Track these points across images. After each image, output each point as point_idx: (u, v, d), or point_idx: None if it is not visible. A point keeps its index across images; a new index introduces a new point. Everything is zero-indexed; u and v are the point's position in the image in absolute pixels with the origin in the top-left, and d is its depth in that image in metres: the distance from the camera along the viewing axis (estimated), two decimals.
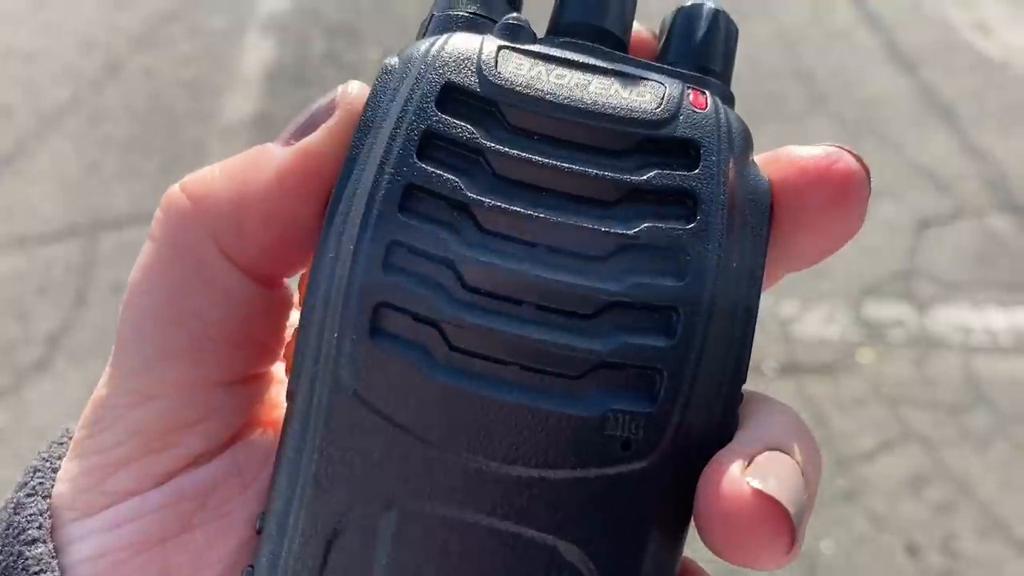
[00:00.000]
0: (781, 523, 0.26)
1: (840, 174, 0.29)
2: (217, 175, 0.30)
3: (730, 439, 0.29)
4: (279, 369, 0.35)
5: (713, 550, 0.27)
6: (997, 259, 2.43)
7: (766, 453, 0.28)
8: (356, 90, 0.31)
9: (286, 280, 0.33)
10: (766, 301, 2.23)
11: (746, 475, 0.27)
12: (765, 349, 2.11)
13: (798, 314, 2.21)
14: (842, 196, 0.30)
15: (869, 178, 0.30)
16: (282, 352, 0.33)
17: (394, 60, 0.30)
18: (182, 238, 0.30)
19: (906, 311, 2.26)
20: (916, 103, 3.02)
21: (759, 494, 0.26)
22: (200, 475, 0.32)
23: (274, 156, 0.30)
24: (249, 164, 0.30)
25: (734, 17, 0.36)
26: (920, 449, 1.93)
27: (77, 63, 2.99)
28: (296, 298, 0.33)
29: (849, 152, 0.30)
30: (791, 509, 0.26)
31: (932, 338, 2.19)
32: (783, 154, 0.31)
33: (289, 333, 0.38)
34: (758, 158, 0.31)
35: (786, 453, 0.28)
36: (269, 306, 0.32)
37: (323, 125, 0.30)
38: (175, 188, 0.31)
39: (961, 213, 2.57)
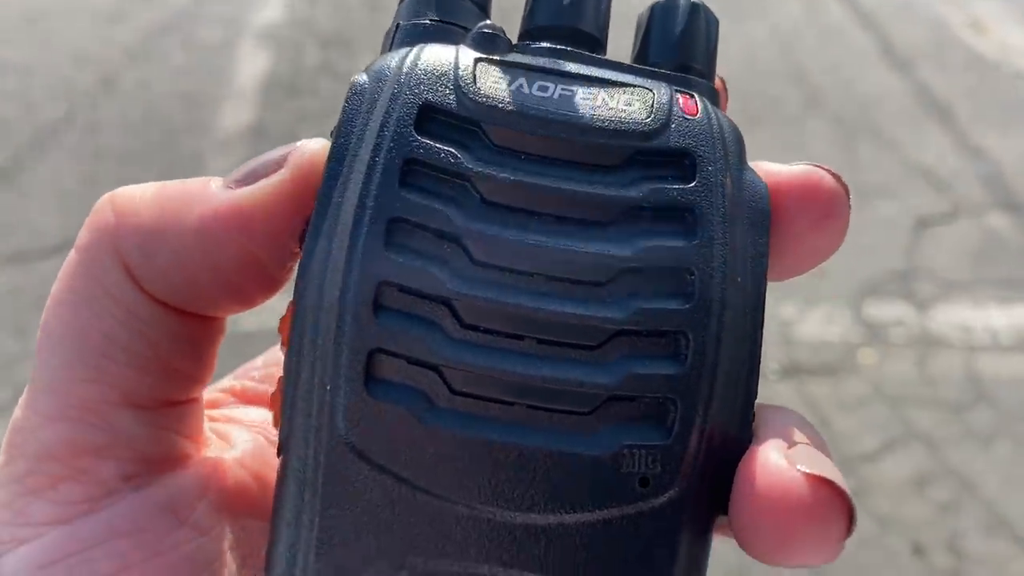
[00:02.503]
0: (840, 503, 0.25)
1: (826, 194, 0.29)
2: (150, 198, 0.29)
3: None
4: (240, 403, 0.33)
5: (759, 554, 0.26)
6: (996, 257, 2.42)
7: (800, 445, 0.27)
8: (311, 149, 0.29)
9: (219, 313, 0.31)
10: (767, 304, 2.21)
11: (793, 463, 0.25)
12: (766, 351, 2.09)
13: (798, 315, 2.21)
14: (828, 215, 0.30)
15: (848, 195, 0.30)
16: (205, 379, 0.32)
17: (363, 78, 0.28)
18: (95, 253, 0.29)
19: (907, 311, 2.25)
20: (912, 102, 3.02)
21: (814, 478, 0.25)
22: (126, 508, 0.29)
23: (207, 198, 0.29)
24: (184, 197, 0.29)
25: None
26: (923, 449, 1.92)
27: (72, 77, 2.99)
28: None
29: (827, 171, 0.30)
30: (847, 490, 0.25)
31: (933, 337, 2.18)
32: (764, 170, 0.30)
33: (258, 373, 0.37)
34: None
35: (809, 445, 0.27)
36: (187, 335, 0.30)
37: (263, 180, 0.29)
38: (106, 198, 0.30)
39: (959, 211, 2.57)
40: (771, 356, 2.09)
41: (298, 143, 0.29)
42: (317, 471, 0.26)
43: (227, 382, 0.37)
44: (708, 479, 0.27)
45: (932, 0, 3.61)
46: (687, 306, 0.27)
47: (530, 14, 0.31)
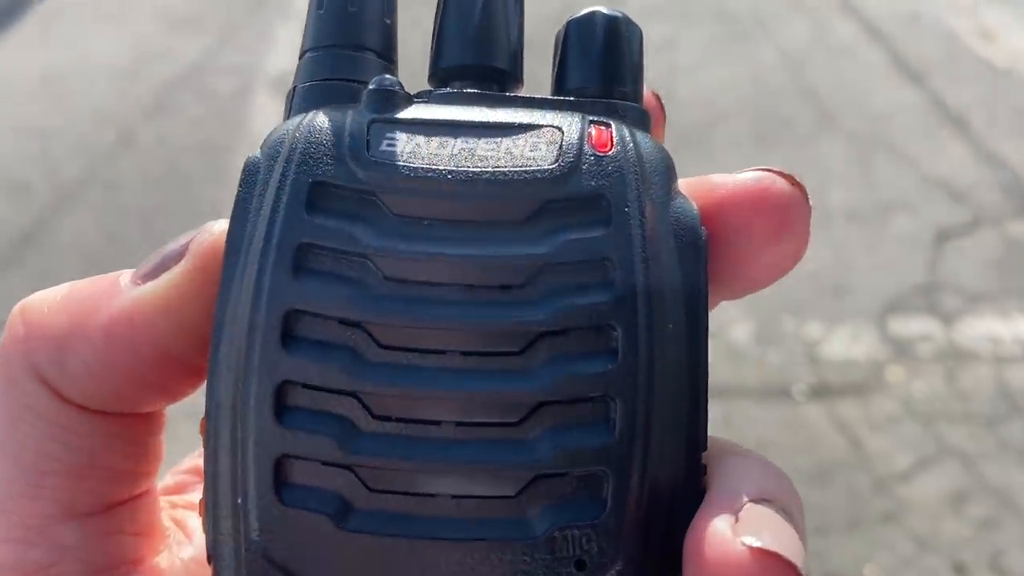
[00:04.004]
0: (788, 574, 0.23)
1: (779, 200, 0.28)
2: (58, 303, 0.28)
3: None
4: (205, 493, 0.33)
5: None
6: (1021, 266, 2.40)
7: (748, 506, 0.25)
8: (212, 236, 0.28)
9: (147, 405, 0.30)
10: (788, 324, 2.22)
11: (738, 534, 0.24)
12: (793, 373, 2.09)
13: (823, 335, 2.19)
14: (783, 223, 0.28)
15: (807, 196, 0.28)
16: (152, 472, 0.31)
17: (256, 156, 0.27)
18: (11, 369, 0.28)
19: (932, 325, 2.23)
20: (926, 114, 3.01)
21: (759, 552, 0.23)
22: None
23: (114, 297, 0.28)
24: (92, 300, 0.28)
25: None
26: (958, 465, 1.89)
27: (91, 135, 3.04)
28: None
29: (779, 174, 0.28)
30: (796, 562, 0.23)
31: (961, 351, 2.16)
32: (711, 183, 0.28)
33: (186, 466, 0.35)
34: (683, 184, 0.28)
35: (768, 501, 0.25)
36: (122, 434, 0.29)
37: (166, 274, 0.28)
38: (17, 309, 0.29)
39: (980, 222, 2.55)
40: (798, 377, 2.08)
41: (201, 228, 0.29)
42: None
43: (190, 462, 0.36)
44: (654, 549, 0.25)
45: (940, 11, 3.61)
46: (611, 367, 0.25)
47: (436, 55, 0.30)
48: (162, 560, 0.31)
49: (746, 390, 2.05)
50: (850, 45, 3.42)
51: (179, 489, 0.35)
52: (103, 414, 0.29)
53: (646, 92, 0.31)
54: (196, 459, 0.35)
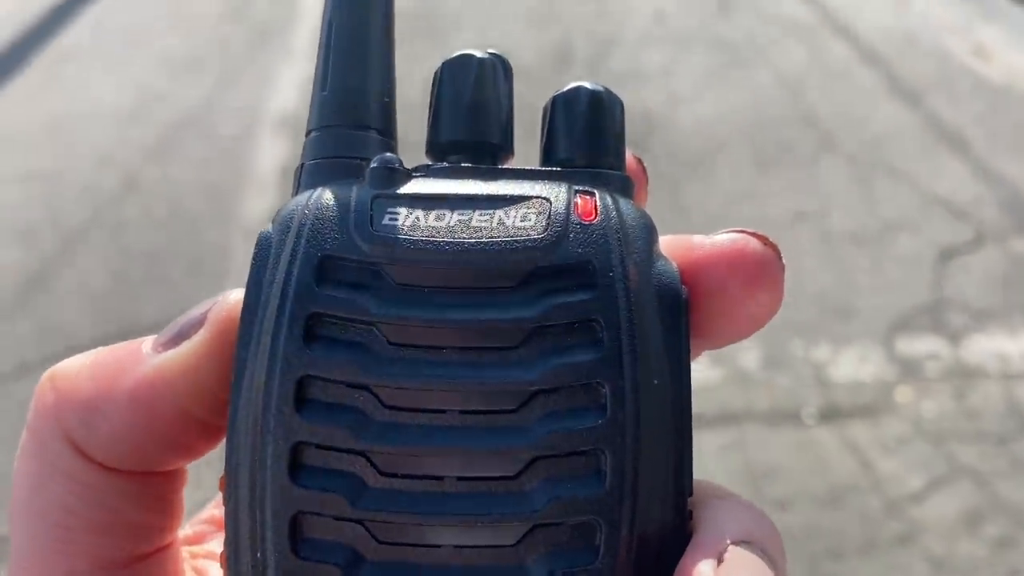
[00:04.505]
0: None
1: (753, 258, 0.30)
2: (86, 370, 0.30)
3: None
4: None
5: None
6: None
7: (731, 549, 0.26)
8: (229, 303, 0.30)
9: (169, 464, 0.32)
10: (796, 347, 2.22)
11: None
12: (802, 396, 2.08)
13: (831, 357, 2.19)
14: (757, 279, 0.30)
15: (779, 255, 0.30)
16: (174, 526, 0.33)
17: (269, 230, 0.29)
18: (40, 433, 0.30)
19: (939, 344, 2.23)
20: (924, 134, 3.03)
21: None
22: None
23: (138, 364, 0.30)
24: (116, 367, 0.30)
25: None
26: (971, 484, 1.89)
27: (96, 179, 3.06)
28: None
29: (753, 235, 0.30)
30: None
31: (969, 369, 2.16)
32: (690, 244, 0.31)
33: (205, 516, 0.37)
34: (664, 242, 0.31)
35: (749, 543, 0.27)
36: (146, 491, 0.31)
37: (186, 342, 0.30)
38: (46, 377, 0.31)
39: (983, 239, 2.56)
40: (807, 401, 2.08)
41: (217, 298, 0.31)
42: None
43: (208, 511, 0.38)
44: None
45: (934, 30, 3.64)
46: (600, 422, 0.26)
47: (432, 130, 0.32)
48: None
49: (756, 415, 2.05)
50: (846, 68, 3.45)
51: (198, 539, 0.36)
52: (128, 473, 0.30)
53: (628, 157, 0.33)
54: (213, 509, 0.37)
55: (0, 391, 2.24)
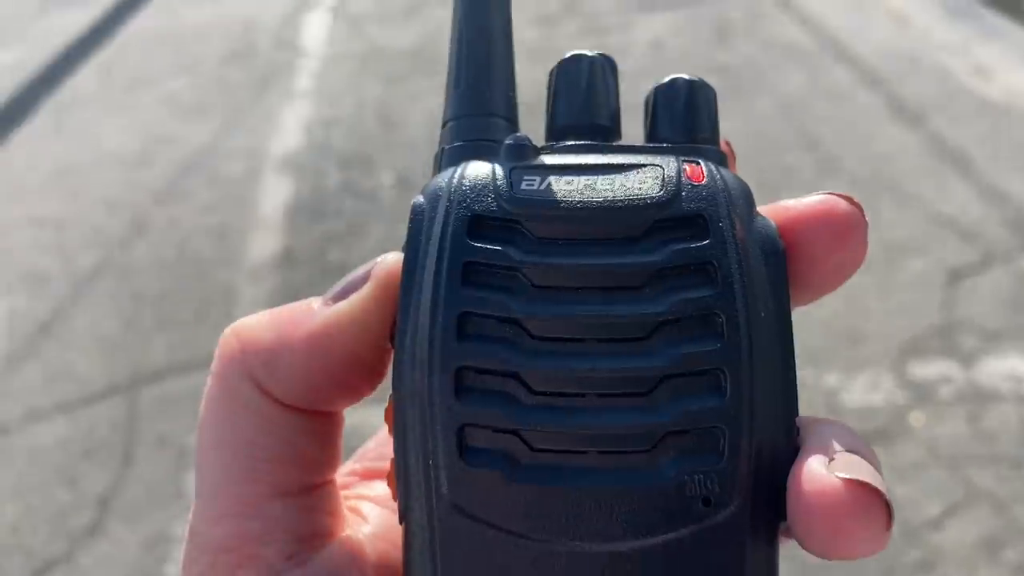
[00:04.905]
0: (877, 503, 0.28)
1: (841, 213, 0.34)
2: (265, 323, 0.35)
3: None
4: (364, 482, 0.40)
5: (816, 551, 0.29)
6: None
7: (839, 454, 0.30)
8: (389, 262, 0.35)
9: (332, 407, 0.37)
10: (807, 375, 2.20)
11: (832, 470, 0.29)
12: None
13: (842, 383, 2.18)
14: (846, 230, 0.34)
15: (863, 212, 0.34)
16: (335, 464, 0.38)
17: (420, 199, 0.34)
18: (228, 377, 0.35)
19: (951, 367, 2.22)
20: (927, 154, 3.03)
21: (851, 482, 0.29)
22: None
23: (311, 316, 0.34)
24: (291, 319, 0.35)
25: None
26: (989, 509, 1.87)
27: (104, 224, 3.09)
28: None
29: (841, 196, 0.34)
30: (881, 488, 0.29)
31: (983, 391, 2.14)
32: (784, 206, 0.35)
33: (373, 454, 0.44)
34: (759, 208, 0.34)
35: (855, 452, 0.30)
36: (315, 429, 0.36)
37: (354, 294, 0.34)
38: (229, 331, 0.36)
39: (991, 259, 2.55)
40: None
41: (378, 259, 0.35)
42: (433, 532, 0.31)
43: (349, 466, 0.43)
44: (763, 491, 0.31)
45: (933, 51, 3.65)
46: (718, 345, 0.31)
47: (551, 116, 0.37)
48: (350, 535, 0.37)
49: None
50: (847, 90, 3.45)
51: (346, 486, 0.42)
52: (303, 411, 0.35)
53: (721, 140, 0.38)
54: (352, 464, 0.43)
55: (8, 441, 2.24)
